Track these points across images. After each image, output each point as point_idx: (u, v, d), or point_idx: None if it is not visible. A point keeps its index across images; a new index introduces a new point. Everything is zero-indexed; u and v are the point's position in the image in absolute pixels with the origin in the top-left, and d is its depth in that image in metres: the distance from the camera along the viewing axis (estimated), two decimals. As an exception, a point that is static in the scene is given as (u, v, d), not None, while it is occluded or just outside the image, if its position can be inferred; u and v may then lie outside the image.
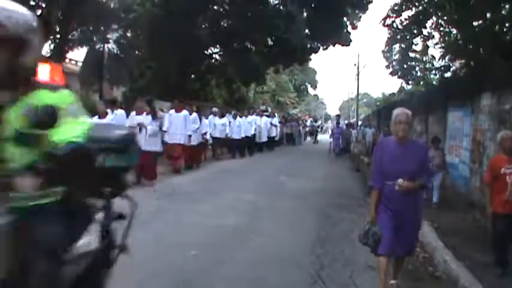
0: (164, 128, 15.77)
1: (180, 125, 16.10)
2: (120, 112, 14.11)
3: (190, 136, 16.46)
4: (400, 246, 5.44)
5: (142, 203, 10.03)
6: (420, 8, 20.91)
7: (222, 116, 22.91)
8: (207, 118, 20.19)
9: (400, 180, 5.22)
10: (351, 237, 8.00)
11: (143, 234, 7.59)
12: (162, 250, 6.88)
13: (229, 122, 23.01)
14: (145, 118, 12.98)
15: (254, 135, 26.32)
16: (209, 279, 5.82)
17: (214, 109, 22.97)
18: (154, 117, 12.99)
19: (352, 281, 6.03)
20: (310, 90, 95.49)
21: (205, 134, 19.03)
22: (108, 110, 14.16)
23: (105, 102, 18.61)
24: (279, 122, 34.05)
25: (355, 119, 49.12)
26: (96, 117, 11.14)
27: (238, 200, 11.45)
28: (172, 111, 16.74)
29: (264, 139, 28.19)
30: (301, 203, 11.48)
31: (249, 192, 12.60)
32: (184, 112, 16.47)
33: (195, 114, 17.41)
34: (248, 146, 25.28)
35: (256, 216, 9.78)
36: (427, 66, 24.34)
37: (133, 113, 13.86)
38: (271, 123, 30.17)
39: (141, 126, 12.56)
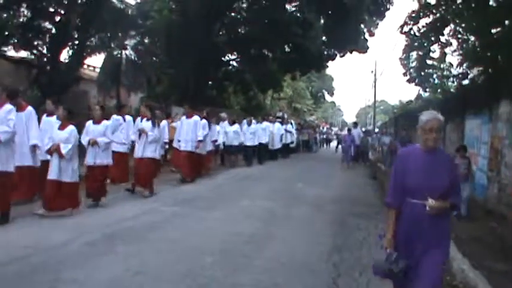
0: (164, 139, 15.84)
1: (190, 131, 15.73)
2: (116, 117, 14.16)
3: (201, 142, 15.97)
4: (422, 280, 4.44)
5: (157, 209, 10.10)
6: (438, 15, 20.79)
7: (233, 122, 22.52)
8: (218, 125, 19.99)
9: (430, 201, 4.29)
10: (367, 245, 7.98)
11: (159, 241, 7.64)
12: (178, 256, 6.89)
13: (241, 129, 22.66)
14: (145, 124, 12.68)
15: (268, 142, 25.56)
16: (225, 286, 5.81)
17: (223, 115, 22.54)
18: (155, 123, 12.65)
19: (369, 289, 5.96)
20: (327, 97, 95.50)
21: (215, 141, 18.81)
22: (115, 116, 14.30)
23: (116, 107, 18.70)
24: (296, 129, 33.84)
25: (372, 126, 48.92)
26: (91, 122, 11.07)
27: (254, 207, 11.43)
28: (183, 117, 16.47)
29: (277, 146, 27.23)
30: (317, 211, 11.43)
31: (264, 199, 12.60)
32: (195, 118, 16.09)
33: (204, 121, 16.73)
34: (260, 153, 24.39)
35: (272, 223, 9.76)
36: (445, 73, 24.16)
37: (138, 118, 13.75)
38: (285, 130, 29.31)
39: (141, 132, 12.37)
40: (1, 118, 8.29)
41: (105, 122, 11.00)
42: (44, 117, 11.39)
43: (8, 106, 8.55)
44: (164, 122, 16.35)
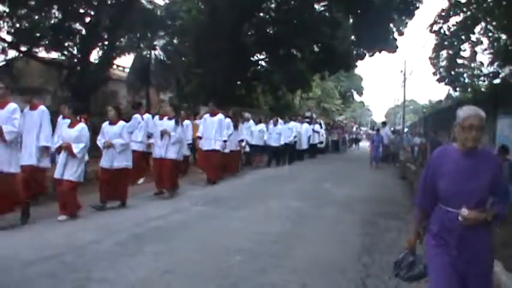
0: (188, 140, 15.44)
1: (214, 130, 15.12)
2: (135, 116, 14.21)
3: (225, 142, 15.36)
4: None
5: (186, 209, 10.13)
6: (468, 13, 20.63)
7: (258, 122, 22.37)
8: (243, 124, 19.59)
9: (463, 210, 3.66)
10: (397, 245, 7.91)
11: (188, 240, 7.67)
12: (208, 256, 6.90)
13: (267, 129, 22.35)
14: (167, 123, 12.31)
15: (295, 142, 24.87)
16: (254, 286, 5.81)
17: (247, 115, 21.67)
18: (178, 122, 12.28)
19: (398, 292, 5.90)
20: (356, 97, 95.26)
21: (241, 141, 18.27)
22: (136, 115, 14.30)
23: (132, 105, 18.65)
24: (325, 129, 33.69)
25: (401, 126, 48.58)
26: (107, 123, 10.83)
27: (282, 207, 11.40)
28: (207, 115, 15.90)
29: (304, 146, 26.63)
30: (346, 211, 11.38)
31: (293, 199, 12.55)
32: (219, 116, 15.42)
33: (228, 120, 16.20)
34: (287, 154, 23.85)
35: (300, 223, 9.73)
36: (475, 72, 23.98)
37: (156, 117, 13.77)
38: (313, 130, 29.00)
39: (163, 133, 12.06)
40: (5, 117, 8.13)
41: (121, 123, 10.65)
42: (60, 119, 11.44)
43: (12, 105, 8.37)
44: (187, 122, 16.25)
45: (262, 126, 21.97)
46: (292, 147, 24.44)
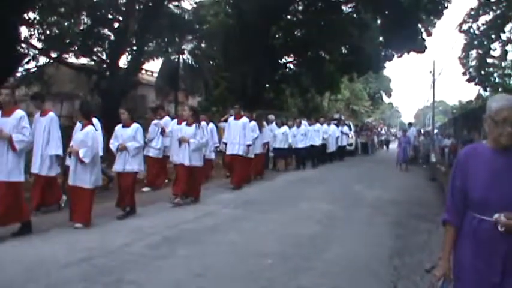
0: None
1: (238, 134, 14.72)
2: (154, 122, 13.83)
3: (249, 146, 14.83)
4: None
5: (217, 212, 10.17)
6: (498, 12, 20.44)
7: (282, 124, 21.77)
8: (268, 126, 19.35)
9: (499, 216, 3.04)
10: (429, 248, 7.86)
11: (219, 243, 7.69)
12: (239, 258, 6.92)
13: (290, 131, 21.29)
14: (185, 129, 11.79)
15: (323, 145, 24.33)
16: (285, 288, 5.81)
17: (271, 117, 21.13)
18: (198, 128, 11.67)
19: (430, 293, 5.83)
20: (385, 99, 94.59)
21: (266, 143, 17.97)
22: (154, 121, 13.94)
23: (151, 109, 18.45)
24: (355, 131, 33.50)
25: (431, 127, 48.15)
26: (120, 126, 10.59)
27: (313, 209, 11.35)
28: (231, 118, 15.45)
29: (332, 148, 26.06)
30: (376, 213, 11.31)
31: (323, 202, 12.50)
32: (244, 119, 14.94)
33: (253, 123, 15.74)
34: (314, 156, 23.34)
35: (331, 225, 9.70)
36: (506, 71, 23.70)
37: (174, 121, 13.53)
38: (341, 132, 28.38)
39: (181, 140, 11.53)
40: (13, 125, 7.82)
41: (134, 125, 10.35)
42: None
43: (20, 112, 8.03)
44: (211, 125, 16.00)
45: (285, 128, 21.18)
46: (320, 149, 23.88)
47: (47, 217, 9.14)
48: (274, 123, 20.78)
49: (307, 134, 22.09)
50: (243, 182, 14.93)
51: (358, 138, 34.92)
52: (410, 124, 32.89)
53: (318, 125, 24.02)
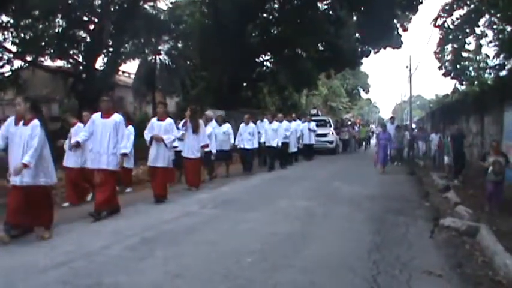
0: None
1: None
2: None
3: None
4: None
5: (196, 212, 10.17)
6: (472, 6, 20.58)
7: (223, 122, 18.40)
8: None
9: None
10: (407, 241, 7.93)
11: (198, 243, 7.69)
12: (217, 258, 6.91)
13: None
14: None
15: (284, 144, 21.35)
16: (265, 287, 5.81)
17: (208, 113, 18.76)
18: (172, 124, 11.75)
19: (409, 287, 5.89)
20: (363, 94, 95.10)
21: (205, 146, 14.72)
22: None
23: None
24: (334, 128, 32.85)
25: (408, 122, 48.36)
26: (155, 118, 11.10)
27: (291, 207, 11.40)
28: (154, 119, 12.61)
29: (293, 149, 23.31)
30: (355, 209, 11.37)
31: (302, 199, 12.57)
32: (168, 120, 12.36)
33: (170, 121, 12.66)
34: (272, 157, 20.67)
35: (310, 222, 9.73)
36: (481, 65, 23.82)
37: (153, 119, 12.60)
38: (309, 129, 26.09)
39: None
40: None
41: (169, 119, 11.34)
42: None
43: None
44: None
45: (227, 127, 18.25)
46: (280, 150, 20.88)
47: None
48: (214, 121, 17.72)
49: (253, 133, 19.42)
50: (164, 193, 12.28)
51: (339, 135, 33.76)
52: (392, 119, 30.02)
53: (275, 123, 20.80)
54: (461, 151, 16.77)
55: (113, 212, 10.04)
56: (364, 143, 41.84)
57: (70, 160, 11.73)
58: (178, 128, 13.12)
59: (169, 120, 11.42)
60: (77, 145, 10.34)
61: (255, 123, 20.49)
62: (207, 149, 15.12)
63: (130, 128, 12.38)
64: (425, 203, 12.22)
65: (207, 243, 7.75)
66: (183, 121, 14.34)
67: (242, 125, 19.57)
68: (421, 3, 32.18)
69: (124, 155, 10.10)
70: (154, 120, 11.57)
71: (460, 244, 7.91)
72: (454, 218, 9.44)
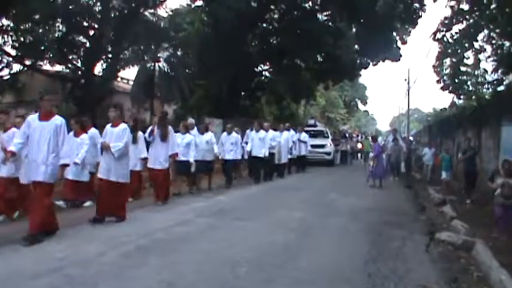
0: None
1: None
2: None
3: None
4: None
5: (191, 221, 10.12)
6: (471, 21, 20.63)
7: (205, 130, 17.13)
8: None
9: None
10: (403, 254, 7.91)
11: (193, 252, 7.66)
12: (212, 267, 6.88)
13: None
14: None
15: (271, 154, 20.16)
16: (258, 297, 5.79)
17: (190, 121, 17.22)
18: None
19: (404, 300, 5.86)
20: (360, 106, 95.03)
21: (175, 154, 13.39)
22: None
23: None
24: (333, 139, 32.81)
25: (405, 135, 48.38)
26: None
27: (288, 217, 11.39)
28: (108, 125, 11.04)
29: (284, 160, 22.21)
30: (351, 221, 11.35)
31: (298, 210, 12.54)
32: (121, 126, 10.62)
33: (124, 125, 11.17)
34: (258, 169, 19.62)
35: (306, 233, 9.72)
36: (479, 80, 23.86)
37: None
38: (299, 140, 25.15)
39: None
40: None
41: (122, 125, 10.28)
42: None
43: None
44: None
45: (210, 135, 16.94)
46: (263, 161, 19.58)
47: (16, 227, 9.03)
48: (195, 129, 16.51)
49: (237, 143, 18.54)
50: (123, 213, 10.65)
51: (338, 147, 33.77)
52: (395, 130, 28.10)
53: (262, 132, 19.67)
54: (475, 171, 15.75)
55: (48, 234, 8.46)
56: (362, 155, 40.30)
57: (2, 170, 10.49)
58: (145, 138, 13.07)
59: (122, 125, 10.23)
60: (12, 155, 8.80)
61: (244, 132, 20.44)
62: (183, 159, 14.31)
63: (84, 136, 12.10)
64: (421, 217, 12.23)
65: (203, 252, 7.72)
66: (149, 129, 13.45)
67: (224, 134, 18.77)
68: (421, 16, 32.23)
69: (65, 165, 8.79)
70: (108, 126, 10.35)
71: (456, 258, 7.91)
72: (450, 232, 9.44)
